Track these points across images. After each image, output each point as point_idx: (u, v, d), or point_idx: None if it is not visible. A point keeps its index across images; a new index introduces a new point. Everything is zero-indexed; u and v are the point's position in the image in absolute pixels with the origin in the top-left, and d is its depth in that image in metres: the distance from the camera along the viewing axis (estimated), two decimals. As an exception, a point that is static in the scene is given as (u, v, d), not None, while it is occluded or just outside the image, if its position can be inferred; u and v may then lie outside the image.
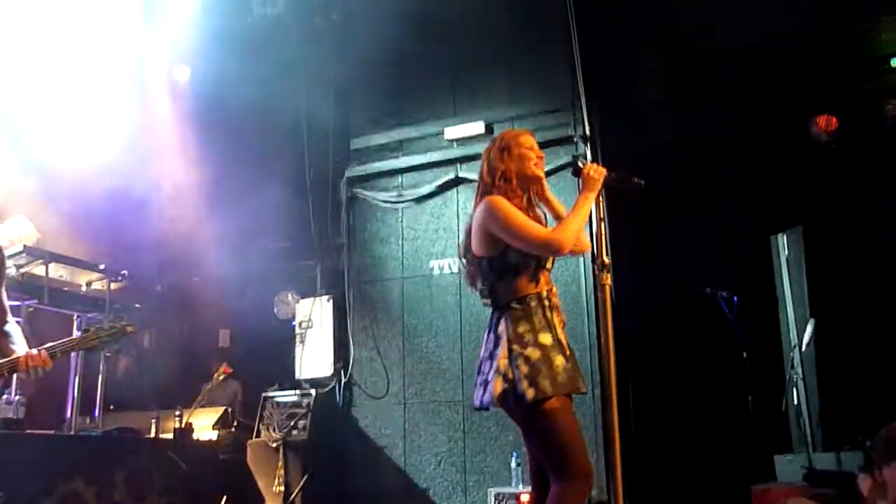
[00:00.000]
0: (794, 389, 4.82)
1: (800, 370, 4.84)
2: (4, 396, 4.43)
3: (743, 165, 5.78)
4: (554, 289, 3.17)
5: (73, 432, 4.83)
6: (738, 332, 4.93)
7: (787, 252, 5.23)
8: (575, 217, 3.10)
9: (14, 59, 5.40)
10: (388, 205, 6.10)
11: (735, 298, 4.94)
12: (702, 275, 5.26)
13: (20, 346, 3.27)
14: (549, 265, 3.15)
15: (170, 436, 5.21)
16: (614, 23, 6.19)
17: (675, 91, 6.12)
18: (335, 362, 5.93)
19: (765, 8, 5.78)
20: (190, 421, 5.30)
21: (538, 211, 3.26)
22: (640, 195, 3.22)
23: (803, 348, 4.84)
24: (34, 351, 3.15)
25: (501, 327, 3.07)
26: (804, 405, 4.75)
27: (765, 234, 5.40)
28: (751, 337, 5.00)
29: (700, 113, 5.93)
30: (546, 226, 3.18)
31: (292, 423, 5.62)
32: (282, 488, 5.47)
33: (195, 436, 5.42)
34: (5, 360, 3.22)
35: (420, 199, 5.99)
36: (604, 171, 3.16)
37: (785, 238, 5.26)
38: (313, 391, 5.81)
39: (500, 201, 3.07)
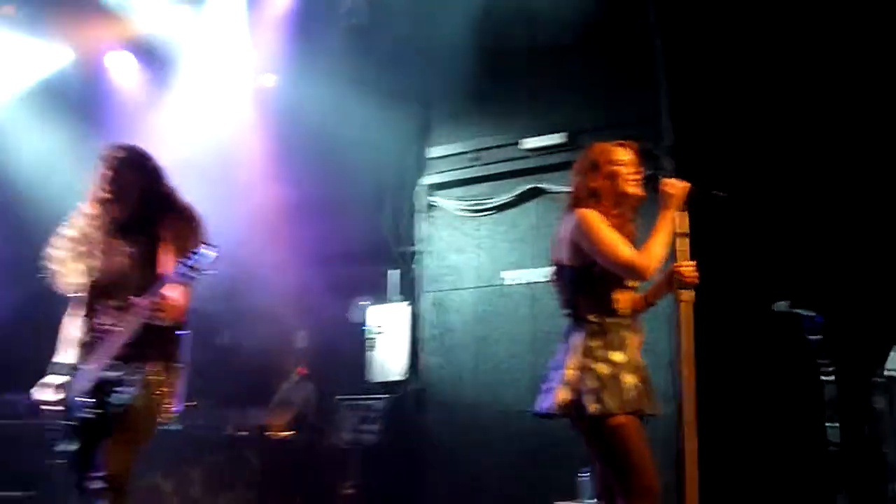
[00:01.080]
0: (880, 418, 4.63)
1: (886, 398, 4.65)
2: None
3: (839, 177, 5.57)
4: (638, 308, 3.13)
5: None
6: (820, 355, 4.76)
7: (880, 272, 5.04)
8: (656, 239, 3.03)
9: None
10: (464, 214, 6.12)
11: (819, 319, 4.77)
12: (786, 292, 5.10)
13: None
14: (633, 284, 3.11)
15: (246, 434, 5.33)
16: (699, 31, 6.07)
17: (763, 103, 5.96)
18: (407, 368, 5.98)
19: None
20: (266, 420, 5.42)
21: (632, 229, 3.13)
22: (723, 209, 3.14)
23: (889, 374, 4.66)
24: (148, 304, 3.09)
25: (575, 339, 3.05)
26: (890, 433, 4.56)
27: (860, 251, 5.21)
28: (840, 362, 4.81)
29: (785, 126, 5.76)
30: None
31: (364, 427, 5.69)
32: (352, 490, 5.55)
33: (270, 435, 5.53)
34: None
35: (496, 209, 5.99)
36: (685, 185, 3.10)
37: (878, 257, 5.07)
38: (385, 396, 5.87)
39: (591, 214, 3.03)
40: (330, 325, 6.53)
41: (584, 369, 2.97)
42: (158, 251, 3.25)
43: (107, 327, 3.19)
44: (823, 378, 4.68)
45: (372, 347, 6.20)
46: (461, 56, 5.85)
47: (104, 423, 3.08)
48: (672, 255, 3.09)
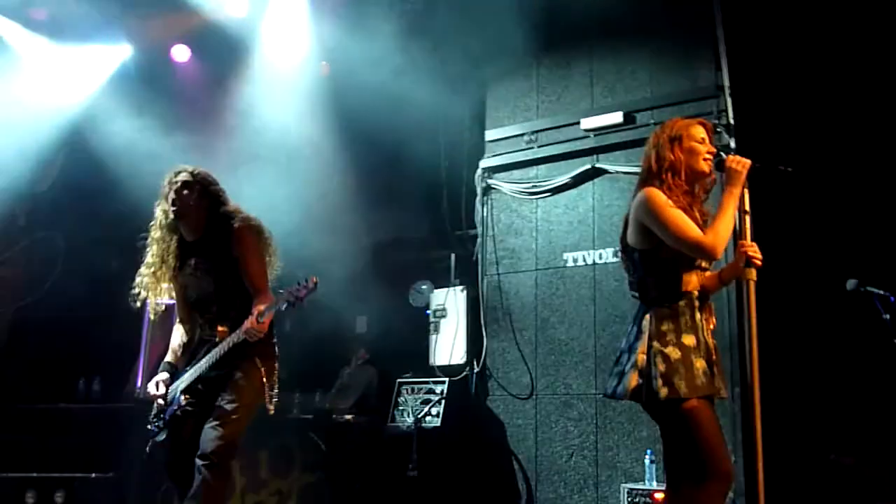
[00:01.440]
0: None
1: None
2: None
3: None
4: (708, 289, 3.08)
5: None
6: (894, 333, 4.62)
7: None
8: (723, 218, 2.98)
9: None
10: (523, 196, 6.08)
11: (892, 297, 4.62)
12: (856, 271, 4.95)
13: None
14: (704, 264, 3.07)
15: (310, 417, 5.42)
16: (759, 6, 5.91)
17: (826, 77, 5.77)
18: (468, 352, 6.00)
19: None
20: (330, 403, 5.51)
21: (703, 209, 3.13)
22: (790, 185, 3.06)
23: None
24: (247, 324, 3.51)
25: (645, 322, 3.02)
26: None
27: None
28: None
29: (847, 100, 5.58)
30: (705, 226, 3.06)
31: (426, 410, 5.73)
32: (415, 473, 5.59)
33: (334, 418, 5.62)
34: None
35: (555, 191, 5.94)
36: (748, 162, 3.03)
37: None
38: (446, 379, 5.90)
39: (658, 195, 3.00)
40: (392, 309, 6.58)
41: (655, 353, 2.95)
42: (234, 267, 3.66)
43: (204, 337, 3.72)
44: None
45: (434, 331, 6.23)
46: (517, 36, 5.81)
47: (204, 413, 3.56)
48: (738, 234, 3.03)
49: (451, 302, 6.17)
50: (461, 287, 6.18)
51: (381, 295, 6.55)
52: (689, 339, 2.96)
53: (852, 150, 5.46)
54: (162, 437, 3.69)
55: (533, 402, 5.71)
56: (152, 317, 3.90)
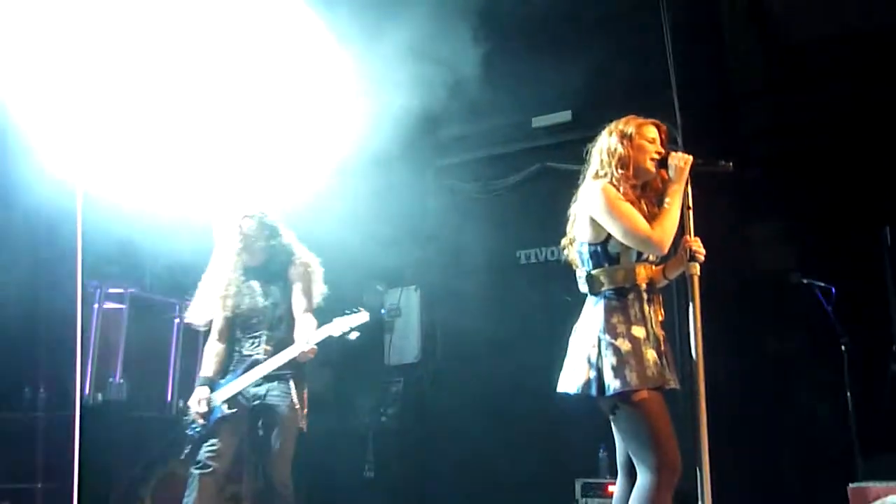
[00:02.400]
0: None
1: (903, 365, 4.63)
2: (110, 379, 4.66)
3: (844, 154, 5.54)
4: (656, 281, 3.13)
5: (174, 413, 5.04)
6: (836, 325, 4.75)
7: (890, 244, 5.01)
8: (668, 213, 3.04)
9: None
10: (474, 195, 6.12)
11: (833, 289, 4.75)
12: (802, 266, 5.08)
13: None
14: (652, 258, 3.12)
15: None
16: (707, 7, 6.02)
17: (772, 77, 5.91)
18: (422, 350, 6.01)
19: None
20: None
21: (654, 209, 3.16)
22: (738, 184, 3.13)
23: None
24: (305, 346, 3.90)
25: (595, 316, 3.06)
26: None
27: (869, 225, 5.17)
28: (854, 332, 4.80)
29: (797, 100, 5.72)
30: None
31: (382, 410, 5.72)
32: (371, 474, 5.59)
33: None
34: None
35: (506, 189, 5.99)
36: (690, 158, 3.09)
37: (888, 229, 5.03)
38: (401, 379, 5.91)
39: (609, 189, 3.04)
40: (346, 310, 6.53)
41: (605, 346, 2.98)
42: (287, 293, 4.09)
43: (248, 353, 4.05)
44: (842, 347, 4.70)
45: (388, 331, 6.23)
46: (469, 36, 5.82)
47: (241, 417, 3.95)
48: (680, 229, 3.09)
49: (405, 301, 6.18)
50: (415, 287, 6.20)
51: (335, 296, 6.51)
52: (639, 331, 3.00)
53: (804, 149, 5.60)
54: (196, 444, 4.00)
55: (487, 399, 5.74)
56: (217, 326, 4.17)
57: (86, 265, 3.86)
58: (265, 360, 3.96)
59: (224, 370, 4.08)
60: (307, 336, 3.90)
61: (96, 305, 4.72)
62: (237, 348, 4.09)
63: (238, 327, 4.12)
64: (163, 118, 4.52)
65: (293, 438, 3.98)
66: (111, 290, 4.85)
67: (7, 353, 4.84)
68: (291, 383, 3.98)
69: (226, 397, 3.96)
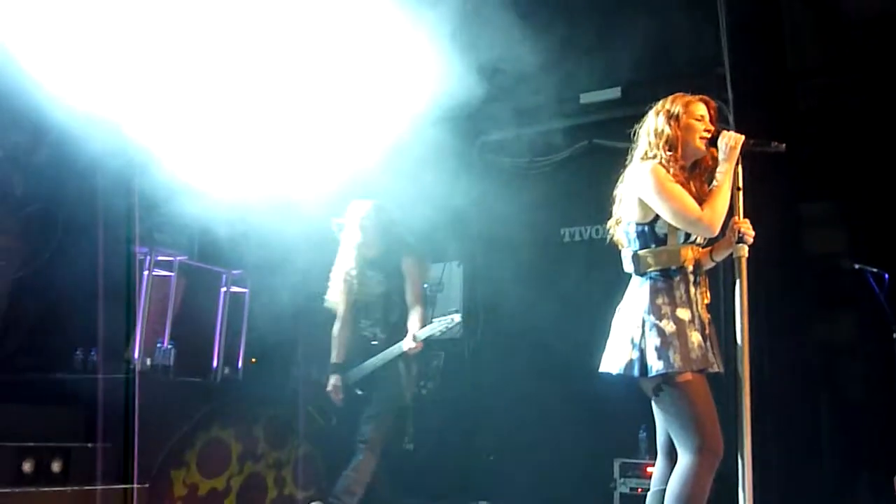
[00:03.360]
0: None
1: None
2: (158, 345, 4.76)
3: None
4: (702, 263, 3.10)
5: (218, 380, 5.14)
6: (888, 312, 4.65)
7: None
8: (719, 194, 2.99)
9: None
10: (520, 171, 6.08)
11: (886, 275, 4.64)
12: (854, 251, 4.98)
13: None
14: (699, 239, 3.08)
15: (303, 389, 5.45)
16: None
17: (827, 56, 5.76)
18: (465, 325, 6.02)
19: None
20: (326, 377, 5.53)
21: (703, 187, 3.12)
22: (791, 165, 3.07)
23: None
24: (413, 343, 4.47)
25: (640, 296, 3.04)
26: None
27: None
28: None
29: (852, 79, 5.57)
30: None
31: (423, 383, 5.76)
32: (411, 446, 5.64)
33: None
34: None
35: (553, 165, 5.94)
36: (741, 137, 3.04)
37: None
38: (443, 352, 5.93)
39: (658, 170, 3.00)
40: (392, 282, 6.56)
41: (649, 326, 2.96)
42: (401, 283, 4.61)
43: (364, 334, 4.67)
44: (893, 335, 4.60)
45: (431, 305, 6.25)
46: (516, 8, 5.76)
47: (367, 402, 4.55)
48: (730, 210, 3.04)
49: (447, 276, 6.21)
50: (458, 262, 6.20)
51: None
52: (683, 313, 2.98)
53: (851, 127, 5.46)
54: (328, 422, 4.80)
55: (529, 376, 5.74)
56: (341, 310, 4.76)
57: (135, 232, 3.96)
58: (381, 344, 4.55)
59: (349, 354, 4.67)
60: (414, 332, 4.48)
61: (146, 272, 4.81)
62: (359, 333, 4.68)
63: (359, 314, 4.69)
64: (219, 90, 4.56)
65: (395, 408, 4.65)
66: (160, 258, 4.93)
67: (62, 314, 4.98)
68: (401, 366, 4.56)
69: (355, 379, 4.62)
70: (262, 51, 4.59)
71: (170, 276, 5.00)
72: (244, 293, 5.49)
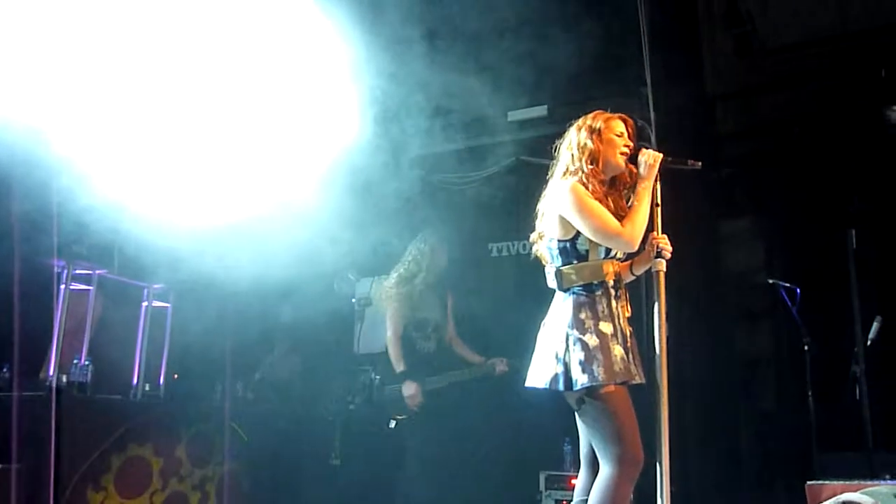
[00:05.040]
0: (857, 386, 4.71)
1: (863, 367, 4.72)
2: (74, 361, 4.61)
3: (814, 157, 5.63)
4: (623, 277, 3.16)
5: (138, 397, 5.01)
6: (800, 325, 4.83)
7: (855, 246, 5.10)
8: (638, 210, 3.07)
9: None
10: (449, 186, 6.12)
11: (798, 290, 4.83)
12: (769, 266, 5.16)
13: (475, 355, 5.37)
14: (619, 254, 3.15)
15: (230, 405, 5.36)
16: (685, 9, 6.07)
17: (746, 79, 5.98)
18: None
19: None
20: (251, 391, 5.45)
21: (622, 202, 3.20)
22: (709, 183, 3.18)
23: (868, 344, 4.72)
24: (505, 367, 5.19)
25: (563, 311, 3.09)
26: (866, 402, 4.64)
27: (836, 226, 5.26)
28: (818, 331, 4.89)
29: (770, 102, 5.79)
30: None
31: (350, 398, 5.71)
32: (338, 462, 5.58)
33: (255, 407, 5.57)
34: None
35: (481, 181, 6.00)
36: (660, 155, 3.13)
37: (854, 232, 5.13)
38: (371, 368, 5.89)
39: (577, 187, 3.06)
40: (317, 298, 6.52)
41: (573, 341, 3.01)
42: (445, 305, 5.42)
43: (421, 350, 5.29)
44: (805, 347, 4.78)
45: (359, 320, 6.21)
46: (442, 27, 5.81)
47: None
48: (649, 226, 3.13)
49: (376, 290, 6.16)
50: (386, 276, 6.18)
51: (307, 284, 6.49)
52: (606, 327, 3.04)
53: (775, 151, 5.67)
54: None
55: (456, 389, 5.74)
56: (397, 323, 5.33)
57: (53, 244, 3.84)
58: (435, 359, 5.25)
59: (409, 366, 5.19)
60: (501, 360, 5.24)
61: (63, 286, 4.66)
62: (411, 346, 5.24)
63: (413, 329, 5.25)
64: (145, 100, 4.47)
65: None
66: (78, 272, 4.79)
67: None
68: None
69: (430, 388, 5.16)
70: (189, 65, 4.53)
71: (88, 290, 4.85)
72: (166, 308, 5.37)
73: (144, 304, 5.24)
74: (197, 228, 4.67)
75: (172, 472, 4.82)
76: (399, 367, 5.21)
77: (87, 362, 4.66)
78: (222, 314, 5.81)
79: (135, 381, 5.05)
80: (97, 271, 4.91)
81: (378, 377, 5.32)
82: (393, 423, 5.20)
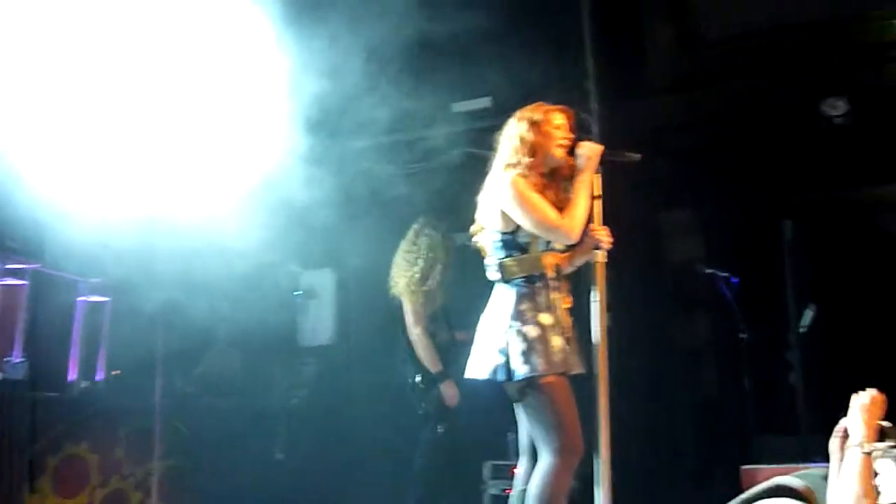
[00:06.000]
0: (791, 373, 4.84)
1: (797, 354, 4.86)
2: (7, 358, 4.49)
3: (753, 149, 5.74)
4: (562, 269, 3.19)
5: (75, 394, 4.90)
6: (736, 313, 4.93)
7: (790, 237, 5.23)
8: (578, 202, 3.10)
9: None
10: (393, 177, 6.09)
11: (734, 279, 4.94)
12: (708, 257, 5.26)
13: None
14: (559, 246, 3.17)
15: (171, 400, 5.28)
16: (627, 2, 6.13)
17: (687, 72, 6.06)
18: (336, 332, 5.98)
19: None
20: (192, 387, 5.38)
21: (561, 195, 3.22)
22: (648, 175, 3.22)
23: (802, 332, 4.86)
24: None
25: (504, 303, 3.11)
26: (799, 388, 4.78)
27: (772, 218, 5.39)
28: (754, 321, 5.00)
29: (710, 95, 5.89)
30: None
31: (293, 392, 5.68)
32: (281, 456, 5.54)
33: (196, 401, 5.49)
34: None
35: (426, 173, 5.98)
36: (599, 147, 3.16)
37: (790, 223, 5.26)
38: (314, 361, 5.86)
39: (517, 181, 3.07)
40: (259, 291, 6.45)
41: (514, 332, 3.03)
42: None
43: (440, 344, 4.93)
44: (741, 335, 4.89)
45: (303, 313, 6.17)
46: (391, 20, 5.78)
47: None
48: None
49: (319, 283, 6.13)
50: (330, 268, 6.15)
51: (250, 276, 6.42)
52: (546, 318, 3.06)
53: (714, 143, 5.77)
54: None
55: (401, 381, 5.74)
56: (421, 317, 4.90)
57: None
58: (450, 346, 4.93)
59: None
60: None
61: (-6, 282, 4.53)
62: (432, 339, 4.88)
63: (429, 322, 4.89)
64: (79, 91, 4.36)
65: None
66: (10, 266, 4.65)
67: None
68: None
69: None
70: (124, 58, 4.44)
71: (22, 284, 4.72)
72: (105, 302, 5.25)
73: (82, 298, 5.11)
74: (135, 222, 4.58)
75: (112, 469, 4.72)
76: (436, 367, 4.83)
77: (21, 359, 4.54)
78: (162, 308, 5.72)
79: (71, 377, 4.93)
80: (31, 265, 4.78)
81: (420, 378, 4.90)
82: (441, 429, 4.94)
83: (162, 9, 4.47)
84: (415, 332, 4.84)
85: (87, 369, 5.07)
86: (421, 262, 4.94)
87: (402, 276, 4.94)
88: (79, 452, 4.54)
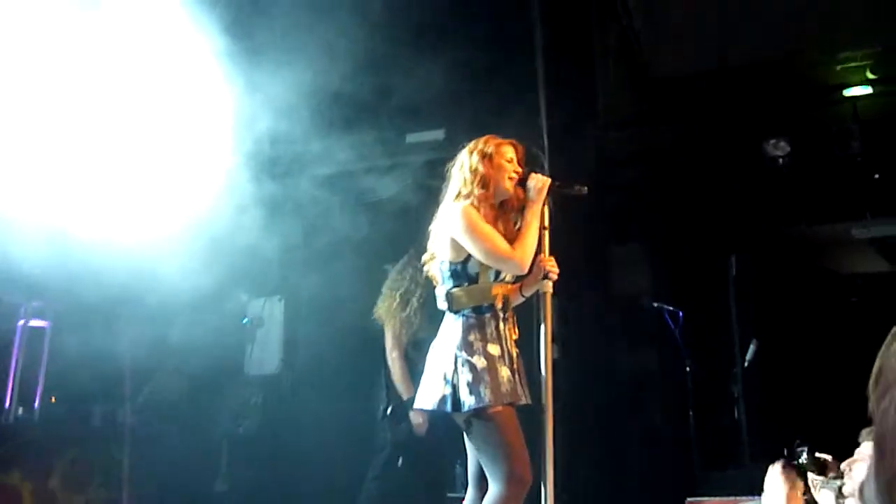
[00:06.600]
0: (735, 405, 4.92)
1: (741, 387, 4.94)
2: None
3: (698, 186, 5.87)
4: (511, 300, 3.20)
5: (10, 421, 4.75)
6: (682, 347, 5.01)
7: (735, 272, 5.35)
8: (528, 232, 3.13)
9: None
10: (345, 207, 6.08)
11: (680, 313, 5.02)
12: (654, 290, 5.34)
13: None
14: (508, 277, 3.19)
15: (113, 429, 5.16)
16: (579, 40, 6.25)
17: (636, 109, 6.20)
18: (283, 362, 5.91)
19: (726, 31, 5.88)
20: (134, 414, 5.25)
21: (510, 226, 3.24)
22: (596, 209, 3.26)
23: (746, 366, 4.94)
24: None
25: (453, 333, 3.10)
26: (743, 421, 4.85)
27: (717, 254, 5.50)
28: (700, 354, 5.09)
29: (659, 131, 6.02)
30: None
31: (238, 421, 5.58)
32: (225, 487, 5.44)
33: (138, 431, 5.36)
34: None
35: (378, 203, 5.99)
36: (548, 180, 3.20)
37: (734, 259, 5.37)
38: (260, 390, 5.78)
39: (469, 211, 3.09)
40: (206, 318, 6.35)
41: (461, 363, 3.02)
42: None
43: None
44: (687, 368, 4.97)
45: (250, 341, 6.09)
46: (346, 47, 5.80)
47: None
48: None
49: (267, 311, 6.06)
50: (279, 296, 6.09)
51: (196, 303, 6.32)
52: (493, 349, 3.07)
53: (661, 180, 5.88)
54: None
55: (351, 411, 5.69)
56: (402, 345, 4.85)
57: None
58: None
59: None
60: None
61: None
62: (413, 368, 4.66)
63: (411, 349, 4.78)
64: (29, 110, 4.29)
65: None
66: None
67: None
68: None
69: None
70: (78, 77, 4.38)
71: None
72: (45, 327, 5.12)
73: (21, 322, 4.98)
74: (79, 245, 4.49)
75: (46, 499, 4.58)
76: (408, 393, 4.67)
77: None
78: (105, 334, 5.60)
79: (7, 403, 4.78)
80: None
81: (390, 407, 4.81)
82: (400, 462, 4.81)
83: (108, 39, 4.43)
84: (391, 357, 4.83)
85: (25, 396, 4.92)
86: (402, 289, 4.92)
87: (384, 301, 4.93)
88: (12, 482, 4.39)
